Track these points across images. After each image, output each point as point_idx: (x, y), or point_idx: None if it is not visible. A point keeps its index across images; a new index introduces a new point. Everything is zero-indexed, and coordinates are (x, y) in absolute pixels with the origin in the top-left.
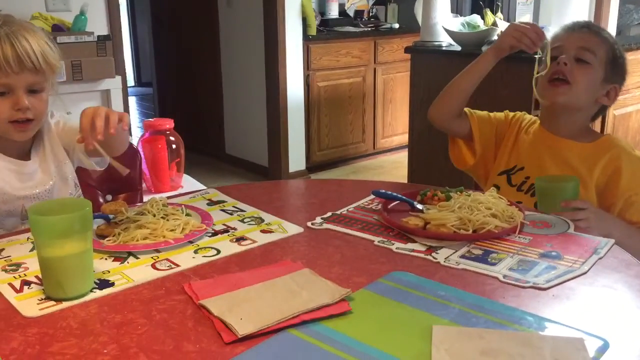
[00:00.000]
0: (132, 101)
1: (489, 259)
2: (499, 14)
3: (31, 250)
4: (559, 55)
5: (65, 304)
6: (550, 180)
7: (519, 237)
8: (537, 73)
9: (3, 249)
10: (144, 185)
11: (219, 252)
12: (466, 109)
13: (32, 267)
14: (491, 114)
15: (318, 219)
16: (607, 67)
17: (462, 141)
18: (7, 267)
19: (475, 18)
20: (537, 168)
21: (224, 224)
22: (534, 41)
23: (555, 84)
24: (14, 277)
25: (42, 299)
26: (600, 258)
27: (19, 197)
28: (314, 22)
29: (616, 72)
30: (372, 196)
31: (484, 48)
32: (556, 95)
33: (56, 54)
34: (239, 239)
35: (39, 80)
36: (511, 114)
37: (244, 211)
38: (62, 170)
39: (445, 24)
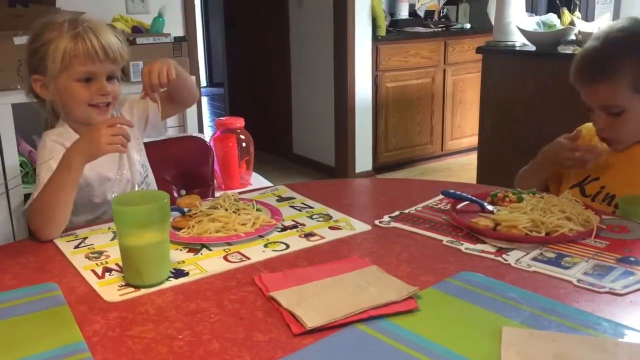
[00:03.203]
0: (204, 101)
1: (562, 263)
2: (577, 13)
3: (112, 239)
4: (591, 108)
5: (143, 291)
6: (634, 203)
7: (594, 242)
8: None
9: (86, 238)
10: (214, 181)
11: (288, 246)
12: None
13: (113, 255)
14: None
15: (386, 218)
16: None
17: None
18: (90, 255)
19: (552, 17)
20: (614, 177)
21: (293, 220)
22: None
23: (604, 140)
24: (97, 264)
25: (122, 285)
26: None
27: (111, 180)
28: (383, 23)
29: None
30: (441, 196)
31: (560, 48)
32: (613, 147)
33: (125, 47)
34: (308, 235)
35: (115, 69)
36: (570, 136)
37: (313, 208)
38: (129, 152)
39: (519, 23)
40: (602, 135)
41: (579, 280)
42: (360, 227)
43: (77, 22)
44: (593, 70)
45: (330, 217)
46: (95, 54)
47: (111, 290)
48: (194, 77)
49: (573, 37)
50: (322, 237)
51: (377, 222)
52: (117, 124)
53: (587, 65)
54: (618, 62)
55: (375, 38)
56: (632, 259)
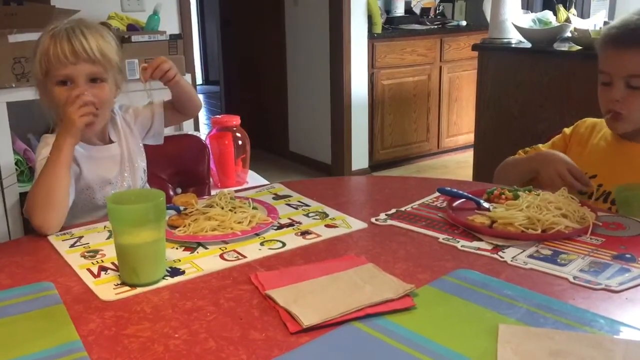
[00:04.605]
0: (200, 99)
1: (558, 260)
2: (572, 10)
3: (108, 238)
4: (608, 81)
5: (139, 290)
6: (631, 189)
7: (590, 239)
8: None
9: (82, 236)
10: (210, 180)
11: (284, 244)
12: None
13: (109, 254)
14: (550, 145)
15: (382, 215)
16: None
17: None
18: (85, 254)
19: (547, 14)
20: (611, 175)
21: (289, 218)
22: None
23: (612, 116)
24: (92, 263)
25: (117, 284)
26: None
27: (109, 181)
28: (379, 20)
29: None
30: (437, 194)
31: (555, 45)
32: (616, 128)
33: (114, 48)
34: (304, 233)
35: (97, 71)
36: (568, 130)
37: (309, 206)
38: (132, 158)
39: (515, 21)
40: (614, 107)
41: (575, 277)
42: (357, 225)
43: (59, 24)
44: (630, 37)
45: (327, 215)
46: (65, 57)
47: (107, 289)
48: (201, 99)
49: (569, 34)
50: (319, 235)
51: (373, 219)
52: (78, 96)
53: (624, 31)
54: None
55: (371, 35)
56: (627, 255)
